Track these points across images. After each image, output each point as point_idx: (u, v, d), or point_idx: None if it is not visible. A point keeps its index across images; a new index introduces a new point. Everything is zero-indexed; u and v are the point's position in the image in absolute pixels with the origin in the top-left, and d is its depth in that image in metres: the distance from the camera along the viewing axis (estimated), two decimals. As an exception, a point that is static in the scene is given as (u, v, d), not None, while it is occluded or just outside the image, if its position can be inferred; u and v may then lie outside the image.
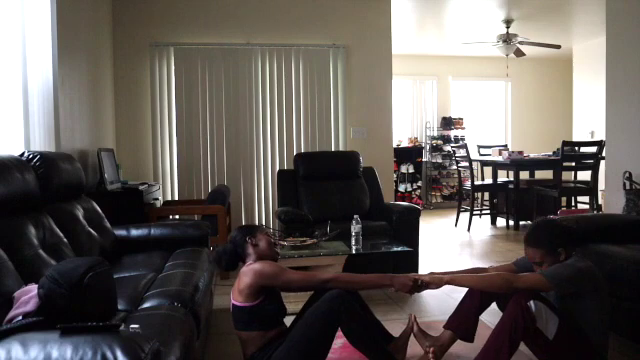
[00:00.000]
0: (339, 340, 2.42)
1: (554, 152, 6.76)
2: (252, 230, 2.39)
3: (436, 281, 2.31)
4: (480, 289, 2.39)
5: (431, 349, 2.45)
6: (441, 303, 2.76)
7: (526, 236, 2.35)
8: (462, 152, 7.04)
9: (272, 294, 2.26)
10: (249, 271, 2.21)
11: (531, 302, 2.12)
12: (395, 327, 2.83)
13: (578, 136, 8.52)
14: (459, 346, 2.58)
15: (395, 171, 8.08)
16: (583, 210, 6.24)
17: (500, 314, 2.29)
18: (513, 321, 2.10)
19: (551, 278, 2.16)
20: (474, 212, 6.87)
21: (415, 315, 2.58)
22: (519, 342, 2.14)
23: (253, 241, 2.33)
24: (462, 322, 2.50)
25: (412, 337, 2.53)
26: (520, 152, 6.82)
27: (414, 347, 2.53)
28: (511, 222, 6.76)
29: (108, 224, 3.23)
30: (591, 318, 2.19)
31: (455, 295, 2.60)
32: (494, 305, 2.53)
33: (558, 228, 2.34)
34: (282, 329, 2.28)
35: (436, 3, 6.29)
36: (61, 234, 2.53)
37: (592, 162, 6.19)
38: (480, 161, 7.35)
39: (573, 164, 6.37)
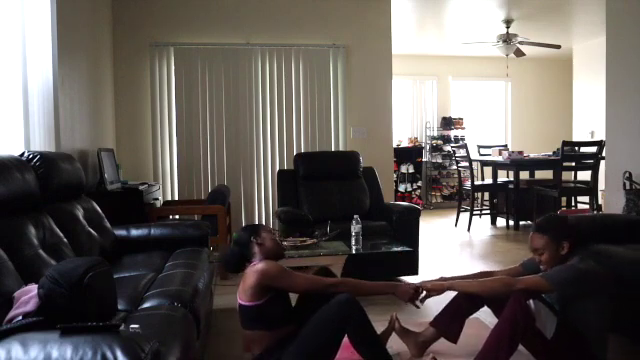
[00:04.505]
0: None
1: (554, 152, 6.75)
2: (256, 229, 2.38)
3: (437, 287, 2.32)
4: (481, 295, 2.40)
5: (430, 357, 2.48)
6: (438, 304, 2.76)
7: (535, 223, 2.39)
8: (462, 152, 7.04)
9: (279, 293, 2.25)
10: (253, 271, 2.20)
11: (531, 301, 2.13)
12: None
13: (578, 136, 8.52)
14: (457, 346, 2.59)
15: (395, 171, 8.08)
16: (583, 210, 6.24)
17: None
18: (513, 320, 2.10)
19: (551, 280, 2.16)
20: (474, 212, 6.87)
21: (396, 314, 2.62)
22: (519, 341, 2.14)
23: (258, 240, 2.32)
24: (449, 322, 2.53)
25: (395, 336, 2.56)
26: (520, 152, 6.81)
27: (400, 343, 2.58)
28: (511, 222, 6.75)
29: (108, 224, 3.23)
30: (591, 320, 2.19)
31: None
32: (493, 305, 2.54)
33: (567, 222, 2.39)
34: (290, 329, 2.25)
35: (436, 3, 6.29)
36: (61, 234, 2.53)
37: (592, 162, 6.18)
38: (480, 161, 7.34)
39: (573, 164, 6.37)
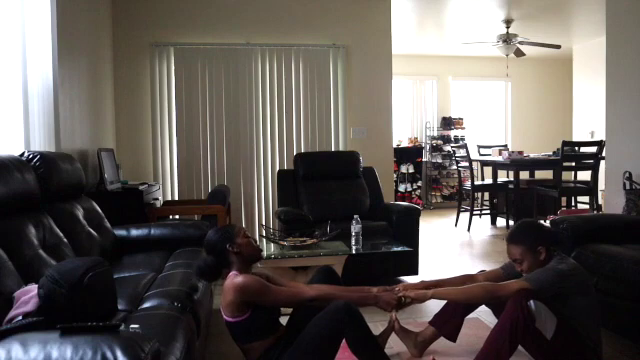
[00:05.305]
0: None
1: (554, 152, 6.75)
2: (230, 235, 2.23)
3: (420, 296, 2.33)
4: (464, 302, 2.44)
5: (430, 357, 2.48)
6: (436, 304, 2.76)
7: (508, 234, 2.41)
8: (462, 152, 7.04)
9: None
10: (233, 287, 2.11)
11: (531, 302, 2.13)
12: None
13: (578, 136, 8.51)
14: (457, 346, 2.59)
15: (395, 171, 8.08)
16: (583, 210, 6.24)
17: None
18: (514, 320, 2.11)
19: (533, 283, 2.17)
20: (474, 212, 6.87)
21: (396, 314, 2.60)
22: (519, 341, 2.14)
23: (234, 248, 2.20)
24: (447, 321, 2.54)
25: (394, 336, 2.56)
26: (520, 152, 6.81)
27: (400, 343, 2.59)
28: (511, 222, 6.75)
29: (108, 224, 3.23)
30: (581, 317, 2.20)
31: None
32: (493, 305, 2.54)
33: (539, 228, 2.41)
34: (282, 330, 2.26)
35: (436, 3, 6.29)
36: (61, 234, 2.53)
37: (592, 162, 6.18)
38: (480, 161, 7.34)
39: (573, 164, 6.36)
